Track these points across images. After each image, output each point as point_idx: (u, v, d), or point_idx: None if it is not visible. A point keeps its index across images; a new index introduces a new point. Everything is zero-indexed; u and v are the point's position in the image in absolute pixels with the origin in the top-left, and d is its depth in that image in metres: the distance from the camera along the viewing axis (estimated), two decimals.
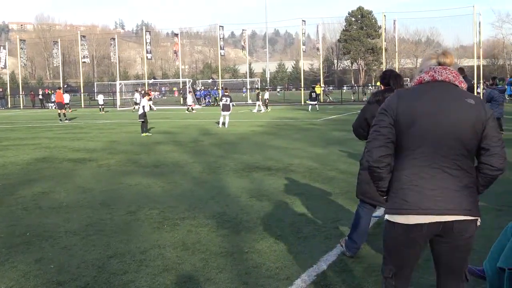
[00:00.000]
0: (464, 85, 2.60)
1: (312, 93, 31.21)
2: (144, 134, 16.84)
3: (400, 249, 2.57)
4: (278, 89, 77.15)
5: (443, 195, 2.43)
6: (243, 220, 5.83)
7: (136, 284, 4.02)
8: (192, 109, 33.40)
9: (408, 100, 2.54)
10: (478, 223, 2.55)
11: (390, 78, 4.38)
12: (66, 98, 32.95)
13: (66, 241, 5.18)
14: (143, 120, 17.22)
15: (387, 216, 2.59)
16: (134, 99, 36.49)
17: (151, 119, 25.91)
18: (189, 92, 37.81)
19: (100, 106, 36.08)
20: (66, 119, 25.73)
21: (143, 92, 36.54)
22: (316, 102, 31.18)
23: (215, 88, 50.36)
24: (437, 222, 2.44)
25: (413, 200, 2.45)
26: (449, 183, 2.45)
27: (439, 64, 2.61)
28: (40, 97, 47.68)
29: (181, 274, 4.21)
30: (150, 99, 19.36)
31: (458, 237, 2.50)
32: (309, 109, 30.12)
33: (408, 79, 79.06)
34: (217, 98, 43.76)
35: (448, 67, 2.59)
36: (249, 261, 4.47)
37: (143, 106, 17.56)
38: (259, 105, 31.57)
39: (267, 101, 32.80)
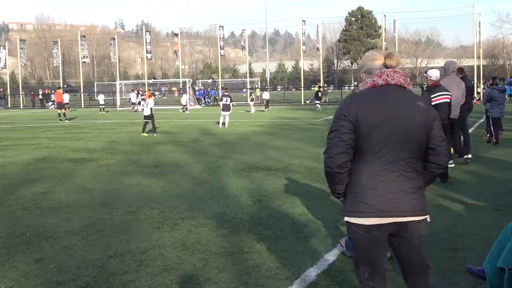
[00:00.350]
0: (410, 87, 2.71)
1: (318, 93, 33.54)
2: (145, 134, 16.76)
3: (367, 248, 2.65)
4: (278, 89, 77.19)
5: (402, 197, 2.54)
6: (243, 220, 5.83)
7: (136, 284, 4.02)
8: (186, 109, 33.47)
9: (367, 106, 2.57)
10: (428, 220, 2.70)
11: None
12: (66, 98, 32.91)
13: (66, 241, 5.18)
14: (149, 120, 17.17)
15: (346, 218, 2.67)
16: (129, 99, 36.51)
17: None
18: (185, 92, 37.76)
19: (100, 106, 36.06)
20: (66, 119, 25.74)
21: (140, 92, 36.36)
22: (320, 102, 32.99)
23: (215, 88, 50.37)
24: (394, 222, 2.57)
25: (373, 203, 2.54)
26: (406, 186, 2.56)
27: (386, 66, 2.66)
28: (40, 97, 47.70)
29: (181, 274, 4.21)
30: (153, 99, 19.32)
31: (411, 235, 2.65)
32: (319, 109, 31.30)
33: (408, 79, 79.07)
34: (216, 98, 43.85)
35: (397, 70, 2.65)
36: (249, 261, 4.47)
37: (151, 108, 17.51)
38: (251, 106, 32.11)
39: (265, 101, 32.85)
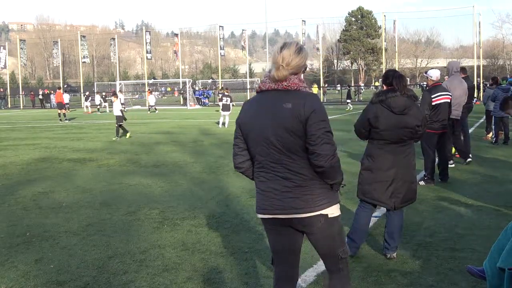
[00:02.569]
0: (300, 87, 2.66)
1: (350, 92, 34.30)
2: (114, 138, 15.70)
3: (268, 236, 2.91)
4: None
5: (276, 196, 2.68)
6: (243, 220, 5.83)
7: (136, 284, 4.02)
8: (155, 110, 33.48)
9: (244, 112, 2.79)
10: (330, 215, 2.70)
11: (394, 79, 4.36)
12: (66, 98, 32.97)
13: (66, 241, 5.18)
14: (120, 123, 16.12)
15: None
16: (100, 101, 36.26)
17: (152, 119, 25.91)
18: (151, 92, 37.48)
19: (98, 106, 36.14)
20: (66, 119, 25.75)
21: (104, 95, 35.58)
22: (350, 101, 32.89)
23: (214, 87, 50.38)
24: (276, 218, 2.72)
25: (258, 200, 2.79)
26: (280, 185, 2.66)
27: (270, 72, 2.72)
28: (40, 97, 47.67)
29: (181, 274, 4.21)
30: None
31: (309, 230, 2.73)
32: (350, 108, 31.38)
33: (408, 79, 79.10)
34: (209, 97, 44.17)
35: (273, 75, 2.65)
36: (249, 261, 4.47)
37: (121, 110, 16.40)
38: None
39: None
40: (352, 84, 69.49)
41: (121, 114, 16.24)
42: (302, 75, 2.75)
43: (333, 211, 2.72)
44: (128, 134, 16.13)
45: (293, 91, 2.64)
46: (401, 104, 4.29)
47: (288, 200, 2.65)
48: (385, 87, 4.46)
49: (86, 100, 31.62)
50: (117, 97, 17.23)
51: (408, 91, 4.37)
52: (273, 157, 2.66)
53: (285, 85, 2.64)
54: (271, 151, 2.66)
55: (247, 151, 2.79)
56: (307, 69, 2.89)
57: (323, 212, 2.67)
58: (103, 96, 36.10)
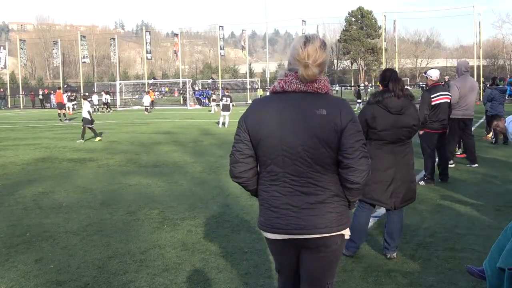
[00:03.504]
0: (327, 91, 2.34)
1: (359, 91, 33.75)
2: (79, 141, 15.08)
3: (273, 255, 2.61)
4: None
5: (294, 214, 2.32)
6: (243, 220, 5.83)
7: (136, 284, 4.02)
8: (149, 110, 33.45)
9: (254, 113, 2.37)
10: (346, 236, 2.44)
11: (390, 81, 4.38)
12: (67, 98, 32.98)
13: (66, 241, 5.19)
14: (89, 125, 15.46)
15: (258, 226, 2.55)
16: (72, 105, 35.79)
17: (151, 119, 25.92)
18: (147, 92, 37.42)
19: (95, 106, 36.18)
20: (66, 119, 25.75)
21: (72, 95, 34.94)
22: (361, 101, 32.24)
23: (213, 88, 50.37)
24: (291, 239, 2.37)
25: (266, 217, 2.40)
26: (300, 201, 2.32)
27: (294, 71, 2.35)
28: (40, 97, 47.67)
29: (181, 274, 4.21)
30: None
31: (320, 250, 2.39)
32: (360, 107, 31.42)
33: (408, 79, 79.11)
34: (209, 97, 44.27)
35: (302, 75, 2.29)
36: (249, 261, 4.47)
37: (88, 111, 15.60)
38: (212, 106, 32.54)
39: None
40: (353, 84, 69.49)
41: (88, 116, 15.42)
42: None
43: (348, 232, 2.45)
44: (97, 138, 15.35)
45: (323, 95, 2.31)
46: (397, 104, 4.31)
47: (308, 218, 2.31)
48: (381, 87, 4.48)
49: (69, 101, 31.14)
50: (85, 98, 16.68)
51: (404, 91, 4.38)
52: (296, 169, 2.30)
53: (316, 87, 2.30)
54: (295, 163, 2.29)
55: (252, 158, 2.39)
56: None
57: (344, 232, 2.40)
58: (69, 96, 34.77)
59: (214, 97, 34.70)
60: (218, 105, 38.14)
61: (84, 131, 15.46)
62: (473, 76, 33.58)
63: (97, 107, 36.13)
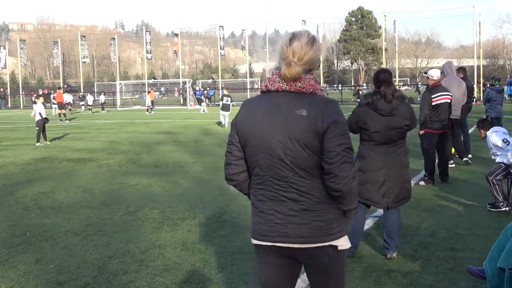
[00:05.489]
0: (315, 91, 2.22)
1: (359, 92, 33.79)
2: (47, 142, 14.71)
3: (258, 265, 2.39)
4: None
5: (279, 220, 2.20)
6: (243, 220, 5.82)
7: (136, 284, 4.02)
8: (151, 110, 33.42)
9: (243, 114, 2.27)
10: (340, 248, 2.25)
11: (383, 84, 4.38)
12: (69, 98, 33.06)
13: (66, 241, 5.19)
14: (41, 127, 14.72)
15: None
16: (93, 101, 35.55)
17: (151, 119, 25.91)
18: (149, 92, 37.35)
19: (89, 107, 36.20)
20: (66, 119, 25.77)
21: (37, 97, 34.42)
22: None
23: (213, 88, 50.42)
24: (275, 246, 2.24)
25: (254, 222, 2.31)
26: (285, 207, 2.19)
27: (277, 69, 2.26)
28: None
29: (181, 274, 4.21)
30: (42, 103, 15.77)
31: (311, 262, 2.28)
32: None
33: (408, 79, 79.11)
34: (210, 98, 44.26)
35: (284, 73, 2.19)
36: (249, 261, 4.46)
37: (40, 113, 14.78)
38: (202, 106, 32.75)
39: None
40: (353, 84, 69.51)
41: (40, 119, 14.75)
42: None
43: (343, 242, 2.26)
44: (46, 141, 14.75)
45: (308, 95, 2.18)
46: (388, 106, 4.31)
47: (293, 226, 2.18)
48: (374, 87, 4.50)
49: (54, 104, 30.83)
50: (39, 98, 15.95)
51: (395, 92, 4.37)
52: (278, 173, 2.18)
53: (299, 87, 2.17)
54: (276, 166, 2.17)
55: (243, 161, 2.29)
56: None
57: (333, 243, 2.22)
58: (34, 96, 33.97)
59: (202, 97, 34.93)
60: (208, 105, 38.37)
61: (40, 134, 14.65)
62: (472, 76, 33.59)
63: (91, 107, 36.12)
